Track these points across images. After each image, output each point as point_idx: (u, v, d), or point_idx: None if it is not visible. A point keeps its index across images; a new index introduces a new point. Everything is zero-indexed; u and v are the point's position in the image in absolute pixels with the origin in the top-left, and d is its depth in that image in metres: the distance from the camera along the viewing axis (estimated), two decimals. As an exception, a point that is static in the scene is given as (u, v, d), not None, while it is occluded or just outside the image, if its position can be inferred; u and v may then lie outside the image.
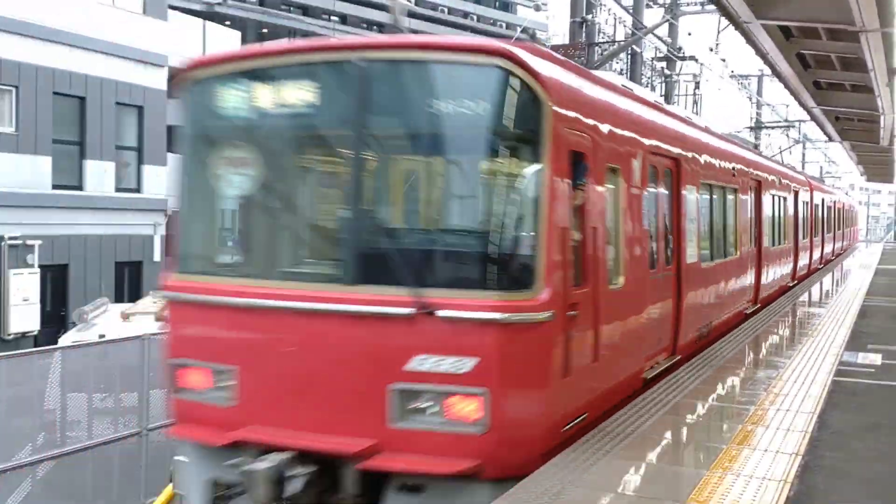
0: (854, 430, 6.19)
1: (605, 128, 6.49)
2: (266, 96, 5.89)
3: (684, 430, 6.37)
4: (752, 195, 12.65)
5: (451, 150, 5.90)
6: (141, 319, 13.28)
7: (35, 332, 17.40)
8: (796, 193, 17.90)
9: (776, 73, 17.25)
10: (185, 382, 6.00)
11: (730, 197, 11.07)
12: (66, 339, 12.53)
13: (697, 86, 29.83)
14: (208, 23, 26.07)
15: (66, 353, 10.25)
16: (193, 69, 6.29)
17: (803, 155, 63.65)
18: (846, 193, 51.99)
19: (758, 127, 47.23)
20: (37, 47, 17.62)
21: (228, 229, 6.98)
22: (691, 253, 8.91)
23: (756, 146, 49.83)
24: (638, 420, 6.30)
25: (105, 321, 13.54)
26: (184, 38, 23.75)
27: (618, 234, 6.75)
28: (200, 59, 6.69)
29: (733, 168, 11.34)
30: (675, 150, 8.52)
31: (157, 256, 20.74)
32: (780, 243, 15.31)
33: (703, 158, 9.74)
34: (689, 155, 9.03)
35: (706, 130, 11.06)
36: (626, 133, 7.12)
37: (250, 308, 5.59)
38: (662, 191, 8.18)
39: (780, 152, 48.12)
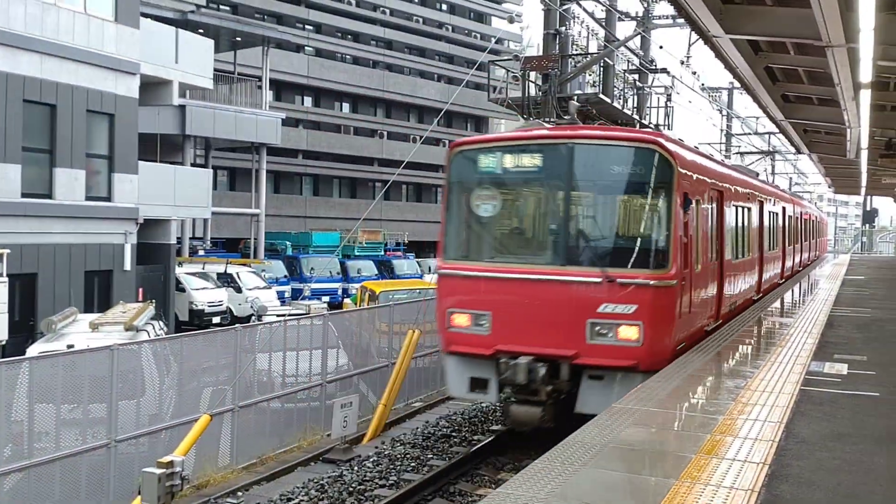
0: (820, 440, 6.28)
1: (696, 177, 10.93)
2: (505, 161, 10.73)
3: (653, 440, 6.43)
4: (757, 211, 16.59)
5: (625, 191, 10.43)
6: (110, 329, 13.15)
7: (3, 342, 17.13)
8: (784, 208, 21.68)
9: (745, 87, 17.50)
10: (454, 323, 10.53)
11: (744, 212, 14.97)
12: (34, 350, 12.37)
13: (669, 98, 30.14)
14: (181, 31, 25.91)
15: (34, 364, 10.12)
16: (459, 146, 11.05)
17: (773, 167, 64.50)
18: (815, 205, 52.76)
19: (733, 135, 47.81)
20: (7, 55, 17.44)
21: (478, 236, 11.22)
22: (728, 252, 13.05)
23: (727, 157, 50.44)
24: (605, 430, 6.35)
25: (74, 331, 13.38)
26: (156, 46, 23.62)
27: (698, 238, 10.93)
28: (464, 140, 11.42)
29: (747, 192, 15.59)
30: (721, 185, 12.71)
31: (127, 265, 20.54)
32: (773, 249, 19.09)
33: (733, 188, 13.95)
34: (726, 185, 13.34)
35: (732, 167, 16.49)
36: (703, 178, 11.49)
37: (502, 279, 10.21)
38: (715, 211, 12.20)
39: (751, 164, 48.79)
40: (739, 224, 14.46)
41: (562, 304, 9.85)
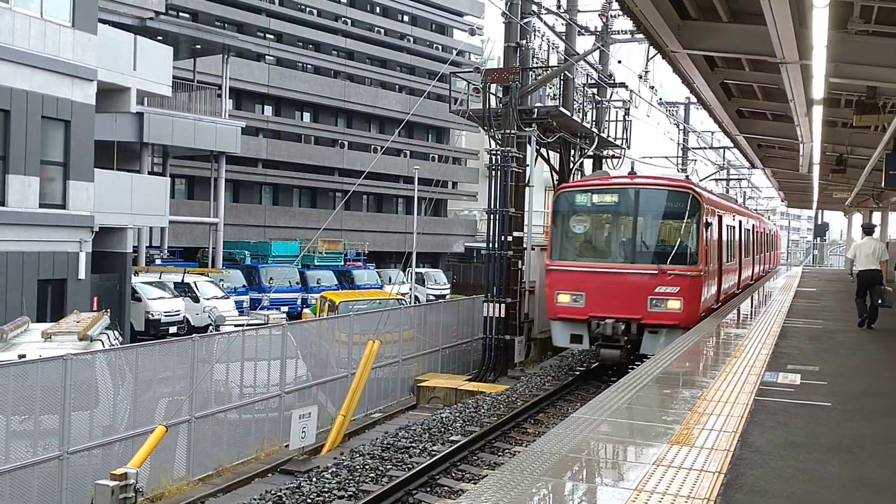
0: (774, 449, 6.39)
1: (712, 209, 16.55)
2: (593, 198, 16.68)
3: (610, 449, 6.49)
4: (737, 228, 22.13)
5: (671, 217, 16.11)
6: (63, 339, 12.89)
7: (-50, 353, 16.70)
8: (753, 225, 26.94)
9: (701, 102, 17.82)
10: (559, 300, 16.44)
11: (730, 230, 20.39)
12: (-17, 360, 12.05)
13: (627, 112, 30.53)
14: (140, 37, 25.61)
15: (-16, 375, 9.88)
16: (563, 188, 17.77)
17: (727, 181, 65.65)
18: (768, 218, 53.70)
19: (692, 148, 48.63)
20: (-42, 57, 17.10)
21: (575, 245, 17.22)
22: (724, 257, 19.04)
23: (684, 170, 51.20)
24: (562, 440, 6.39)
25: (26, 341, 13.09)
26: (114, 53, 23.31)
27: (712, 246, 16.87)
28: (565, 185, 18.40)
29: (732, 215, 21.22)
30: (718, 212, 18.05)
31: (82, 274, 20.17)
32: (746, 257, 24.71)
33: (726, 213, 19.59)
34: (723, 212, 18.90)
35: (725, 197, 24.85)
36: (713, 209, 17.17)
37: (592, 271, 16.34)
38: (716, 229, 17.64)
39: (706, 178, 49.49)
40: (729, 238, 20.18)
41: (633, 287, 16.02)
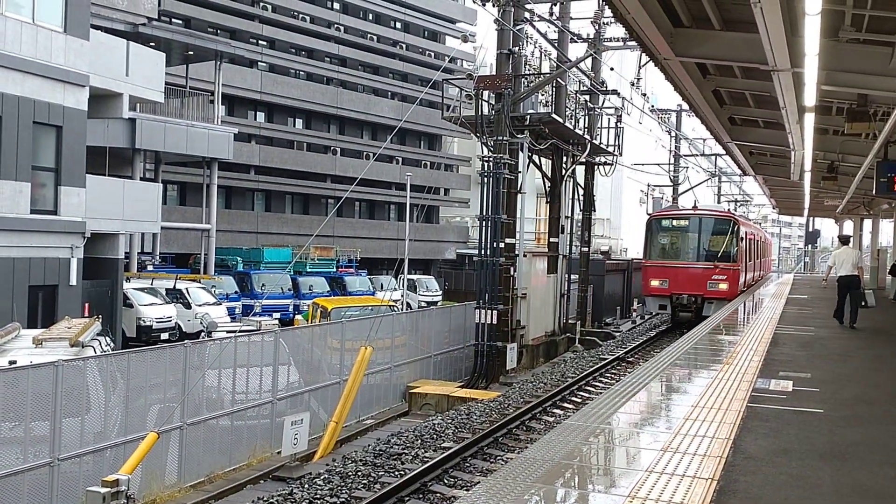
0: (767, 455, 6.40)
1: (743, 229, 26.71)
2: (672, 222, 27.04)
3: (602, 456, 6.49)
4: (754, 239, 31.51)
5: (720, 234, 25.89)
6: (55, 345, 12.83)
7: (-61, 359, 16.60)
8: (755, 235, 34.07)
9: (693, 109, 17.88)
10: (651, 284, 26.18)
11: (747, 241, 28.21)
12: (-27, 366, 11.98)
13: (619, 119, 30.63)
14: (132, 43, 25.57)
15: (-26, 381, 9.82)
16: (654, 216, 27.95)
17: (719, 188, 65.85)
18: (759, 225, 54.15)
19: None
20: (-51, 62, 17.03)
21: (662, 250, 26.72)
22: (747, 258, 27.93)
23: (675, 178, 51.35)
24: (554, 448, 6.39)
25: (16, 347, 13.02)
26: (106, 59, 23.28)
27: (743, 252, 26.54)
28: (655, 213, 29.10)
29: (751, 231, 30.73)
30: (744, 230, 27.00)
31: (73, 280, 20.08)
32: (751, 261, 30.88)
33: (748, 231, 29.06)
34: (747, 230, 28.31)
35: (745, 218, 37.13)
36: (743, 228, 26.89)
37: (673, 266, 25.88)
38: (745, 241, 26.98)
39: (698, 185, 49.64)
40: (748, 247, 28.42)
41: (698, 275, 25.27)
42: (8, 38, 18.26)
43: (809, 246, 76.71)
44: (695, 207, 27.69)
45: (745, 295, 26.28)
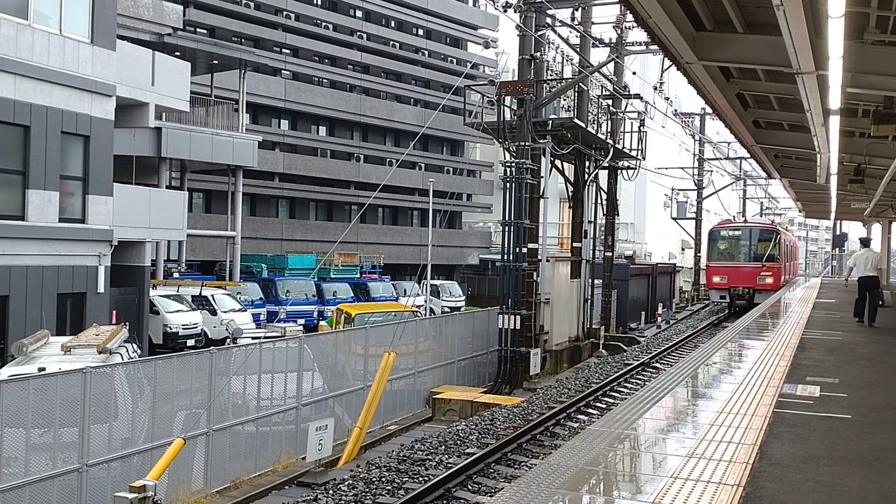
0: (793, 461, 6.34)
1: (783, 237, 35.80)
2: (729, 232, 34.95)
3: (627, 462, 6.46)
4: (788, 244, 39.08)
5: (766, 240, 33.96)
6: (83, 352, 12.99)
7: (-29, 366, 16.86)
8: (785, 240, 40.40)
9: (717, 113, 17.76)
10: (713, 279, 34.32)
11: (785, 245, 35.93)
12: (4, 373, 12.18)
13: (642, 123, 30.50)
14: (158, 53, 25.88)
15: (4, 387, 9.97)
16: (716, 227, 36.03)
17: (744, 191, 65.28)
18: (786, 229, 53.99)
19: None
20: (-20, 74, 17.32)
21: (720, 253, 34.73)
22: (785, 259, 36.27)
23: (700, 182, 50.99)
24: (578, 454, 6.37)
25: (46, 354, 13.20)
26: (132, 69, 23.56)
27: (783, 254, 35.19)
28: (716, 225, 36.76)
29: (788, 239, 40.16)
30: (783, 238, 36.03)
31: (101, 288, 20.32)
32: (789, 262, 38.80)
33: (787, 237, 39.60)
34: (785, 237, 37.89)
35: (783, 227, 43.87)
36: (784, 237, 36.44)
37: (731, 266, 33.99)
38: (784, 246, 35.78)
39: (722, 189, 49.24)
40: (785, 251, 35.30)
41: (750, 272, 33.15)
42: (36, 49, 18.55)
43: (837, 249, 75.85)
44: (745, 220, 38.99)
45: (784, 289, 33.89)
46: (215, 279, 34.92)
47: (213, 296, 29.43)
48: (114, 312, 21.19)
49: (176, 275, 33.20)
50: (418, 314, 27.53)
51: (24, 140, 18.51)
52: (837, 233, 69.72)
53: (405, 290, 39.03)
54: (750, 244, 34.01)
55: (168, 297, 27.92)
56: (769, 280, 33.00)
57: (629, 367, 21.45)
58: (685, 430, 7.37)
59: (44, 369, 11.50)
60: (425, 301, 37.46)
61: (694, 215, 53.29)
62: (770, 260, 33.35)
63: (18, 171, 18.48)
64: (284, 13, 47.76)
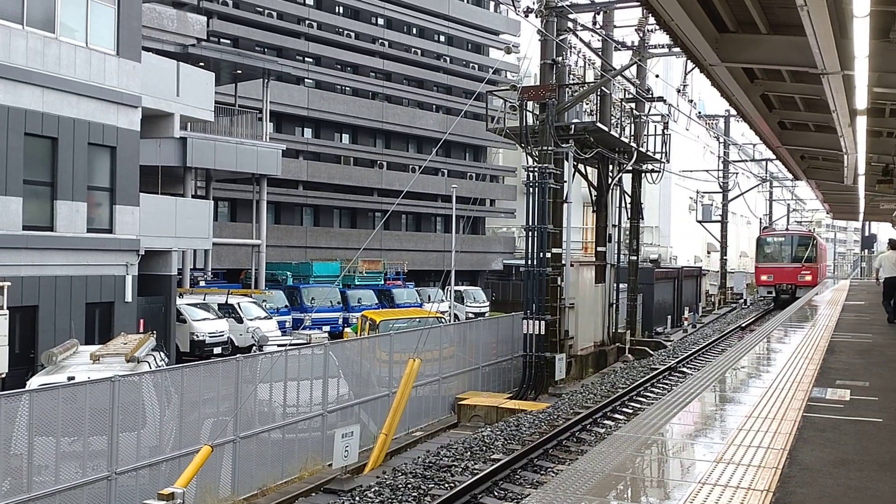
0: (824, 466, 6.26)
1: (817, 241, 43.35)
2: (774, 238, 42.47)
3: (655, 467, 6.41)
4: (821, 247, 46.32)
5: (805, 245, 41.05)
6: (111, 361, 13.13)
7: (3, 375, 17.09)
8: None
9: (741, 114, 17.61)
10: (761, 277, 41.29)
11: (817, 248, 42.65)
12: (34, 382, 12.34)
13: (666, 126, 30.33)
14: (182, 64, 26.15)
15: (35, 397, 10.10)
16: (763, 235, 44.47)
17: (770, 193, 64.60)
18: (814, 231, 54.06)
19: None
20: (8, 88, 17.59)
21: (767, 256, 41.70)
22: (819, 260, 43.60)
23: (725, 184, 50.57)
24: (605, 460, 6.33)
25: (75, 363, 13.36)
26: (158, 79, 23.82)
27: (818, 256, 42.84)
28: (763, 233, 46.02)
29: (821, 243, 48.37)
30: (819, 242, 44.32)
31: (128, 297, 20.53)
32: (823, 263, 47.41)
33: (821, 242, 47.55)
34: (820, 242, 46.06)
35: (814, 233, 47.02)
36: (818, 241, 43.91)
37: (776, 266, 40.75)
38: (819, 249, 43.48)
39: (748, 191, 48.80)
40: (819, 253, 41.65)
41: (792, 271, 39.93)
42: (63, 61, 18.82)
43: (865, 251, 74.84)
44: (787, 228, 48.46)
45: (816, 288, 38.36)
46: (241, 287, 35.15)
47: (238, 304, 29.63)
48: (141, 321, 21.40)
49: (202, 283, 33.46)
50: (442, 320, 27.53)
51: (52, 152, 18.78)
52: (866, 234, 68.80)
53: (429, 296, 39.05)
54: (792, 248, 41.05)
55: (195, 305, 28.15)
56: (808, 277, 40.23)
57: (655, 372, 21.30)
58: (713, 434, 7.30)
59: (73, 378, 11.64)
60: (449, 307, 37.46)
61: (719, 218, 52.87)
62: (808, 261, 40.63)
63: (47, 182, 18.75)
64: (307, 22, 48.08)
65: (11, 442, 9.86)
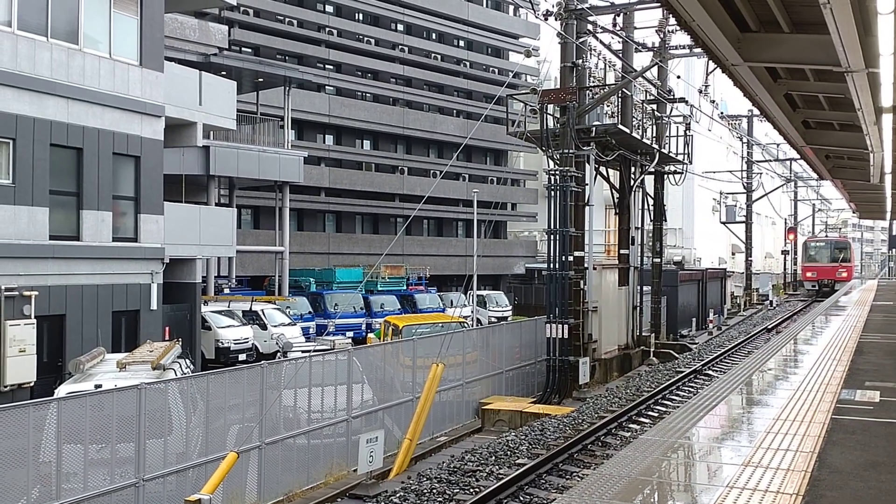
0: (854, 469, 6.17)
1: (851, 245, 58.39)
2: (816, 244, 55.81)
3: (682, 471, 6.36)
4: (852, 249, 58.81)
5: (842, 249, 54.47)
6: (137, 369, 13.24)
7: (31, 383, 17.30)
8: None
9: (765, 114, 17.46)
10: (806, 273, 54.41)
11: (851, 251, 57.51)
12: (62, 390, 12.47)
13: (688, 127, 30.14)
14: (204, 73, 26.37)
15: (63, 405, 10.20)
16: (808, 241, 57.78)
17: (795, 193, 63.93)
18: (840, 230, 55.71)
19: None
20: (34, 99, 17.81)
21: (811, 258, 54.52)
22: (853, 263, 58.83)
23: (749, 185, 50.15)
24: (631, 464, 6.28)
25: (102, 371, 13.48)
26: (180, 89, 24.04)
27: (852, 258, 56.76)
28: (808, 238, 59.91)
29: (853, 246, 61.05)
30: (850, 246, 57.66)
31: (154, 305, 20.71)
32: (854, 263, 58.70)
33: (854, 246, 60.62)
34: (853, 246, 58.34)
35: (848, 238, 62.92)
36: (852, 245, 58.85)
37: (818, 265, 53.61)
38: (852, 252, 58.12)
39: (772, 191, 48.39)
40: (852, 255, 55.45)
41: (831, 269, 52.50)
42: (87, 73, 19.05)
43: (893, 250, 73.94)
44: (826, 235, 60.85)
45: (846, 286, 46.10)
46: (265, 294, 35.34)
47: (263, 310, 29.79)
48: (167, 329, 21.58)
49: (226, 290, 33.68)
50: (465, 325, 27.52)
51: (77, 162, 19.00)
52: (893, 233, 68.03)
53: (452, 301, 39.04)
54: (830, 251, 53.43)
55: (219, 312, 28.33)
56: (844, 274, 52.80)
57: (681, 375, 21.14)
58: (740, 438, 7.22)
59: (100, 386, 11.74)
60: (472, 311, 37.43)
61: (744, 219, 52.42)
62: (844, 261, 53.02)
63: (73, 192, 18.97)
64: (327, 30, 48.33)
65: (40, 449, 9.96)
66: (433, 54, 54.59)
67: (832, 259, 52.72)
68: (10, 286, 17.21)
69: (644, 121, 26.66)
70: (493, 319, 39.14)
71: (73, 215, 19.00)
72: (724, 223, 56.98)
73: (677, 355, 26.85)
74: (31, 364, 17.27)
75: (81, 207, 19.05)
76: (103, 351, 15.25)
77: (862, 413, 8.16)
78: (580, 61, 22.43)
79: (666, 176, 29.60)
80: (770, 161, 54.45)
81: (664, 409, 17.48)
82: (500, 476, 12.41)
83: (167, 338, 20.46)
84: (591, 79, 24.06)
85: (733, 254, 68.69)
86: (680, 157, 29.19)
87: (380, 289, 38.94)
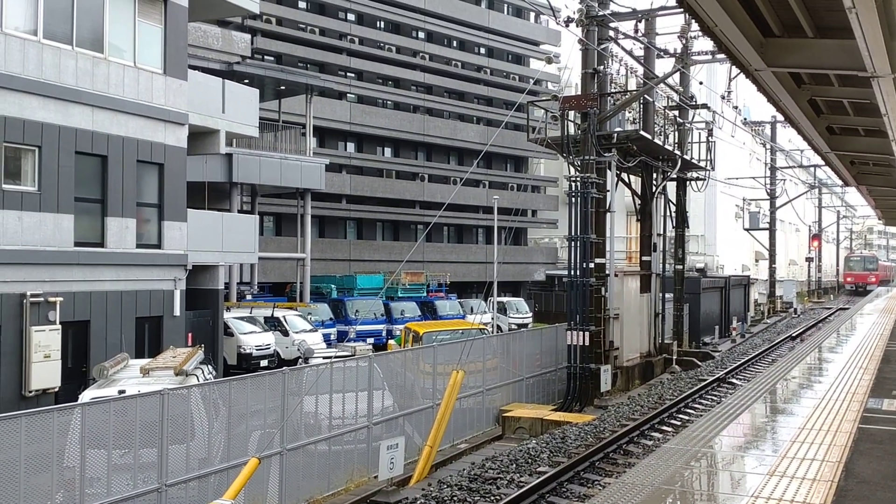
0: (882, 479, 6.09)
1: (879, 258, 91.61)
2: (855, 257, 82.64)
3: (705, 481, 6.29)
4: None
5: (872, 262, 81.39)
6: (161, 374, 13.32)
7: (56, 389, 17.46)
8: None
9: (788, 120, 17.30)
10: (846, 278, 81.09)
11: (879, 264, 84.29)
12: (86, 396, 12.57)
13: (711, 133, 29.96)
14: (227, 81, 26.57)
15: (87, 410, 10.28)
16: (847, 256, 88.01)
17: (819, 199, 63.34)
18: (864, 237, 53.37)
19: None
20: (59, 108, 18.03)
21: (849, 267, 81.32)
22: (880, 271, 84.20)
23: (772, 191, 49.74)
24: (654, 473, 6.23)
25: (125, 377, 13.58)
26: (204, 97, 24.23)
27: (880, 269, 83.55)
28: (848, 254, 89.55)
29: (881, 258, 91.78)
30: (878, 260, 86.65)
31: (177, 311, 20.85)
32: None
33: (879, 259, 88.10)
34: (878, 259, 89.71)
35: (876, 255, 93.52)
36: (879, 259, 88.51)
37: (855, 273, 79.20)
38: (878, 264, 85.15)
39: (796, 198, 47.97)
40: (879, 266, 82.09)
41: (864, 275, 78.08)
42: (112, 81, 19.26)
43: (920, 257, 74.17)
44: (861, 253, 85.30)
45: (870, 296, 51.60)
46: (286, 300, 35.50)
47: (284, 317, 29.91)
48: (189, 335, 21.71)
49: (248, 297, 33.86)
50: (485, 331, 27.47)
51: (102, 169, 19.19)
52: (920, 240, 67.55)
53: (472, 308, 38.99)
54: (864, 263, 76.62)
55: (241, 318, 28.48)
56: (872, 279, 74.37)
57: (703, 383, 20.96)
58: (765, 447, 7.14)
59: (124, 392, 11.82)
60: (492, 318, 37.36)
61: (767, 226, 52.01)
62: (872, 270, 75.46)
63: (97, 199, 19.16)
64: (348, 38, 48.58)
65: (64, 454, 10.04)
66: (454, 61, 54.70)
67: (865, 269, 77.43)
68: (36, 292, 17.40)
69: (666, 127, 26.53)
70: (513, 326, 39.06)
71: (97, 222, 19.18)
72: (747, 230, 56.54)
73: (700, 363, 26.63)
74: (55, 370, 17.43)
75: (106, 214, 19.23)
76: (127, 357, 15.36)
77: (890, 422, 8.05)
78: (601, 67, 22.38)
79: (688, 182, 29.43)
80: (794, 167, 53.91)
81: (687, 417, 17.33)
82: (521, 484, 12.36)
83: (190, 344, 20.58)
84: (613, 85, 23.98)
85: (757, 261, 68.16)
86: (702, 164, 29.01)
87: (400, 295, 38.98)
